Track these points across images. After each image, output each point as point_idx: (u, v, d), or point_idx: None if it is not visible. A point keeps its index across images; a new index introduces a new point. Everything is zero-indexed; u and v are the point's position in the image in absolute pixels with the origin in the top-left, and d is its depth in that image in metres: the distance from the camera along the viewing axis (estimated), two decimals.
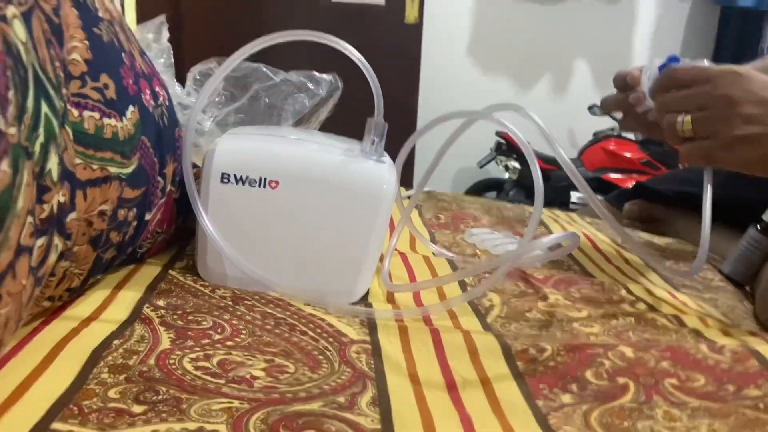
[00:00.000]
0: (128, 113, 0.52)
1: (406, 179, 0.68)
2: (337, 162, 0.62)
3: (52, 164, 0.41)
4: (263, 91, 0.84)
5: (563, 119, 3.38)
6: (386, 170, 0.63)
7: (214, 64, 0.82)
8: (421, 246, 0.82)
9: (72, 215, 0.45)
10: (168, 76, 0.80)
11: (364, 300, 0.63)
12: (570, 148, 3.32)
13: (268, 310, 0.56)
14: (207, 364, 0.45)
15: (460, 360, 0.51)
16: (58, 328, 0.48)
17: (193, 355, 0.46)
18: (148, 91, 0.57)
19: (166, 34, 0.79)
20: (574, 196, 3.16)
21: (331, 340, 0.52)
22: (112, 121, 0.50)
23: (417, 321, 0.58)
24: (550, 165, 2.94)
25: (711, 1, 3.38)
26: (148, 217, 0.57)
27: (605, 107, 0.82)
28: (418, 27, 2.69)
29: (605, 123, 3.25)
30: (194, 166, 0.77)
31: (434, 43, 3.04)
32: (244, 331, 0.51)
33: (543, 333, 0.58)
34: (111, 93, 0.50)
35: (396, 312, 0.60)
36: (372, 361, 0.49)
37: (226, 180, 0.60)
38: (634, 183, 1.25)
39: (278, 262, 0.61)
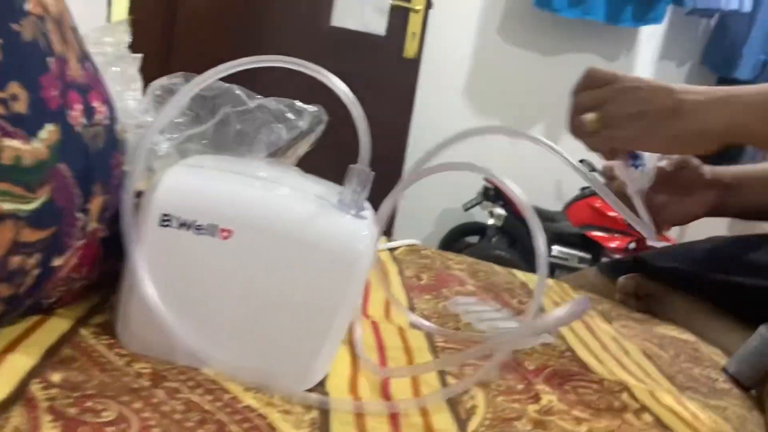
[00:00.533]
0: (43, 133, 0.41)
1: (386, 228, 0.57)
2: (306, 213, 0.51)
3: None
4: (234, 117, 0.73)
5: (551, 172, 3.31)
6: (365, 228, 0.52)
7: (180, 79, 0.71)
8: (398, 313, 0.71)
9: None
10: (123, 88, 0.69)
11: (321, 387, 0.52)
12: (556, 201, 3.25)
13: (195, 398, 0.44)
14: None
15: None
16: None
17: None
18: (78, 107, 0.46)
19: (125, 38, 0.68)
20: (555, 249, 3.08)
21: None
22: (15, 143, 0.38)
23: (382, 422, 0.47)
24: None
25: (708, 70, 3.37)
26: (57, 263, 0.45)
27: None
28: (415, 62, 2.62)
29: None
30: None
31: (431, 80, 2.97)
32: (155, 429, 0.39)
33: None
34: (20, 106, 0.39)
35: (356, 404, 0.49)
36: None
37: (166, 222, 0.48)
38: (632, 256, 1.16)
39: (220, 331, 0.49)
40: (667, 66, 3.40)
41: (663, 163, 0.83)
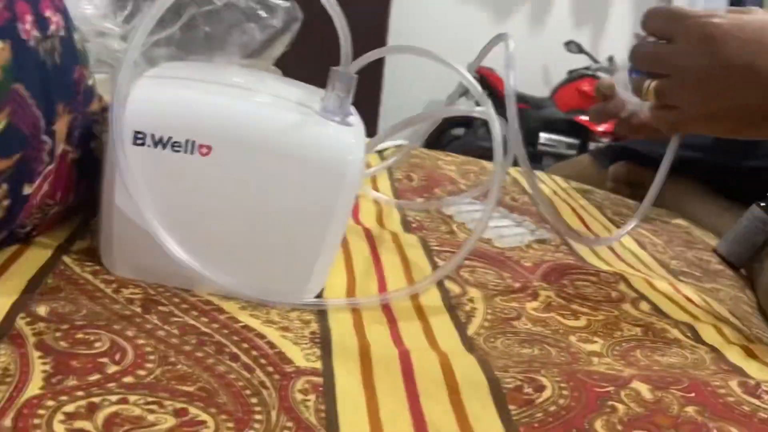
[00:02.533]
0: None
1: (370, 128, 0.54)
2: (289, 123, 0.48)
3: None
4: (201, 18, 0.68)
5: (538, 55, 3.22)
6: (352, 135, 0.49)
7: None
8: (390, 219, 0.70)
9: None
10: None
11: (317, 299, 0.51)
12: (543, 86, 3.19)
13: (190, 321, 0.43)
14: (88, 426, 0.32)
15: (437, 401, 0.39)
16: None
17: (71, 408, 0.33)
18: (29, 18, 0.42)
19: None
20: (543, 136, 3.06)
21: (270, 369, 0.39)
22: None
23: (383, 337, 0.46)
24: (522, 104, 2.82)
25: None
26: (28, 191, 0.43)
27: (594, 120, 0.84)
28: None
29: (580, 61, 3.11)
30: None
31: None
32: (152, 356, 0.38)
33: (536, 352, 0.47)
34: None
35: (350, 300, 0.49)
36: (323, 407, 0.37)
37: (140, 141, 0.45)
38: (621, 143, 1.14)
39: (210, 251, 0.47)
40: None
41: None
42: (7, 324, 0.39)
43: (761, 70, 0.53)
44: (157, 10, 0.45)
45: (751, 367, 0.48)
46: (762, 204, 0.80)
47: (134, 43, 0.45)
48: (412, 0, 2.98)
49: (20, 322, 0.39)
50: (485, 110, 0.54)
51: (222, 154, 0.46)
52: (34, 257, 0.47)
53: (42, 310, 0.40)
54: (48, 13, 0.45)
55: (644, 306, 0.58)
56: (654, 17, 0.58)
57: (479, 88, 0.54)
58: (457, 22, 3.17)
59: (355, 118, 0.51)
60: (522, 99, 2.84)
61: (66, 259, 0.47)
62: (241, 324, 0.44)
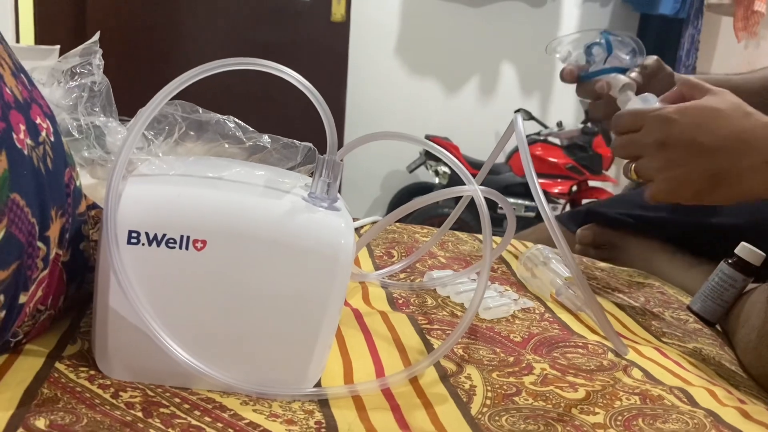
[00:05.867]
0: None
1: None
2: (280, 212, 0.48)
3: None
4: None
5: (490, 123, 3.33)
6: (342, 220, 0.50)
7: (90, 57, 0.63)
8: (376, 298, 0.70)
9: None
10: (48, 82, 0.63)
11: (317, 387, 0.50)
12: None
13: (194, 422, 0.42)
14: None
15: None
16: None
17: None
18: (22, 127, 0.42)
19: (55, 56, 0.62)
20: None
21: None
22: None
23: (390, 424, 0.46)
24: (478, 170, 2.89)
25: (631, 7, 3.43)
26: (23, 299, 0.42)
27: (580, 94, 0.87)
28: (345, 26, 2.56)
29: (532, 128, 3.23)
30: (93, 206, 0.61)
31: (362, 42, 2.93)
32: None
33: (542, 428, 0.47)
34: None
35: (350, 388, 0.49)
36: None
37: (134, 240, 0.45)
38: (585, 207, 1.18)
39: (208, 345, 0.47)
40: (592, 7, 3.46)
41: (633, 75, 0.81)
42: None
43: (703, 145, 0.64)
44: (150, 112, 0.46)
45: (751, 430, 0.49)
46: (730, 260, 0.83)
47: (127, 145, 0.45)
48: (367, 71, 3.07)
49: None
50: (473, 189, 0.55)
51: (217, 248, 0.46)
52: (26, 367, 0.45)
53: (41, 423, 0.39)
54: (38, 120, 0.45)
55: (636, 373, 0.58)
56: (621, 118, 0.71)
57: (469, 174, 0.56)
58: (410, 93, 3.27)
59: (341, 203, 0.52)
60: (479, 166, 2.92)
61: (59, 366, 0.46)
62: (245, 421, 0.43)
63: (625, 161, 0.71)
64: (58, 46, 1.06)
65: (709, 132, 0.65)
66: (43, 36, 2.04)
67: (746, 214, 0.97)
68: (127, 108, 0.62)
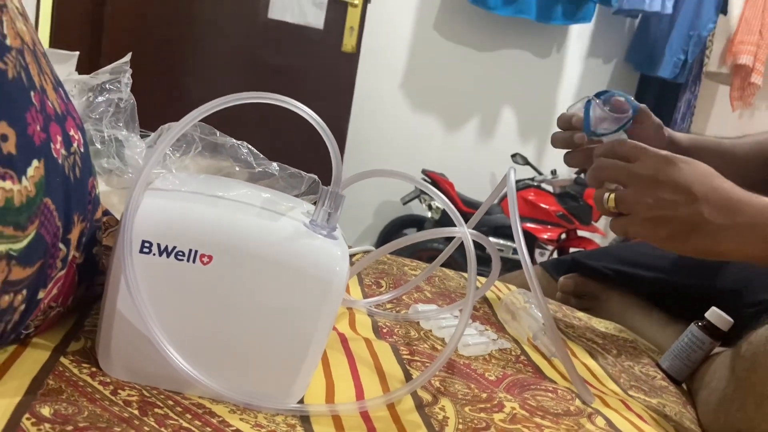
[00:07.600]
0: (30, 170, 0.41)
1: None
2: (283, 236, 0.52)
3: None
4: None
5: (486, 164, 3.40)
6: (338, 248, 0.54)
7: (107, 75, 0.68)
8: (362, 325, 0.74)
9: None
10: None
11: (300, 403, 0.53)
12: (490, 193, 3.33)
13: (185, 424, 0.45)
14: None
15: None
16: None
17: None
18: (59, 138, 0.46)
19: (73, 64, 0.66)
20: (492, 241, 3.17)
21: None
22: (7, 184, 0.38)
23: None
24: (471, 209, 2.94)
25: (632, 67, 3.52)
26: (41, 295, 0.45)
27: (554, 143, 0.87)
28: (354, 57, 2.63)
29: (526, 173, 3.29)
30: (105, 213, 0.65)
31: (369, 74, 2.99)
32: None
33: None
34: (10, 146, 0.39)
35: (331, 407, 0.52)
36: None
37: (146, 250, 0.49)
38: (570, 256, 1.22)
39: (201, 354, 0.50)
40: (594, 63, 3.54)
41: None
42: (12, 424, 0.40)
43: (696, 195, 0.66)
44: (175, 134, 0.50)
45: None
46: (700, 323, 0.87)
47: (152, 162, 0.49)
48: (371, 102, 3.13)
49: (26, 423, 0.40)
50: (462, 232, 0.59)
51: (222, 263, 0.49)
52: (33, 358, 0.48)
53: (46, 411, 0.42)
54: (72, 132, 0.49)
55: (600, 421, 0.62)
56: (622, 145, 0.72)
57: (460, 217, 0.60)
58: (412, 128, 3.33)
59: (339, 232, 0.56)
60: (472, 205, 2.97)
61: (63, 360, 0.49)
62: (232, 428, 0.46)
63: (604, 191, 0.71)
64: (77, 53, 1.10)
65: (707, 184, 0.67)
66: (58, 41, 2.09)
67: (723, 278, 1.02)
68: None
